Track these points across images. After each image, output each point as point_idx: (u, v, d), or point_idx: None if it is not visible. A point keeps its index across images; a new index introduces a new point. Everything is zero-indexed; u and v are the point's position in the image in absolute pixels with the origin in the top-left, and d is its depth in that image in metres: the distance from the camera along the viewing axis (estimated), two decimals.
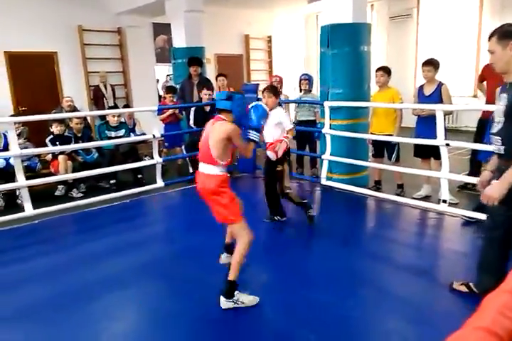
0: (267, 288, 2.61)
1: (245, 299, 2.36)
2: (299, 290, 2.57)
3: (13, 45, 6.79)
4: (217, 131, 2.38)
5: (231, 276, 2.33)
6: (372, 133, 4.51)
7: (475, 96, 7.81)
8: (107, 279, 2.82)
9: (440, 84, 4.03)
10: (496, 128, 2.13)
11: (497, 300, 0.63)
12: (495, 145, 2.15)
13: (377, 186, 4.61)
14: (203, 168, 2.46)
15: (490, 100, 4.12)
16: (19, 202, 4.36)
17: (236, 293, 2.35)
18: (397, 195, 4.27)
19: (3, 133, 4.49)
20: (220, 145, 2.35)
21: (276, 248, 3.25)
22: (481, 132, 3.98)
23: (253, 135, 2.54)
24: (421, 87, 4.19)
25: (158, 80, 9.84)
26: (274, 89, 3.61)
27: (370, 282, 2.67)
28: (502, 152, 2.10)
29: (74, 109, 5.86)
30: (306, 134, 5.44)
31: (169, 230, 3.86)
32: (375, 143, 4.55)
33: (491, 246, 2.25)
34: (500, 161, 2.15)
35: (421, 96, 4.13)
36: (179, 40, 6.76)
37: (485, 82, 4.43)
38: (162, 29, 8.29)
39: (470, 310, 0.68)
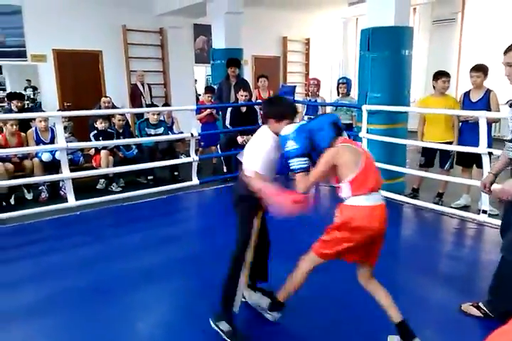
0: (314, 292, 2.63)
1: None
2: (340, 295, 2.57)
3: (61, 43, 7.12)
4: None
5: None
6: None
7: None
8: (143, 271, 2.91)
9: (488, 91, 3.93)
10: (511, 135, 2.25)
11: None
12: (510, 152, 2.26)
13: (415, 193, 4.52)
14: (380, 198, 2.00)
15: None
16: (62, 193, 4.56)
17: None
18: (435, 203, 4.18)
19: (51, 127, 4.72)
20: None
21: None
22: None
23: None
24: (467, 93, 4.09)
25: (196, 80, 10.03)
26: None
27: (408, 290, 2.63)
28: None
29: (113, 108, 6.06)
30: None
31: (204, 227, 3.94)
32: (427, 152, 4.33)
33: None
34: None
35: (467, 103, 4.03)
36: (219, 42, 6.88)
37: None
38: (202, 30, 8.45)
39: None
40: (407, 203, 4.27)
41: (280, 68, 9.72)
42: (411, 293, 2.61)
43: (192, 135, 4.73)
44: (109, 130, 5.11)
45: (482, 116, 3.64)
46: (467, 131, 4.00)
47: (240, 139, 5.34)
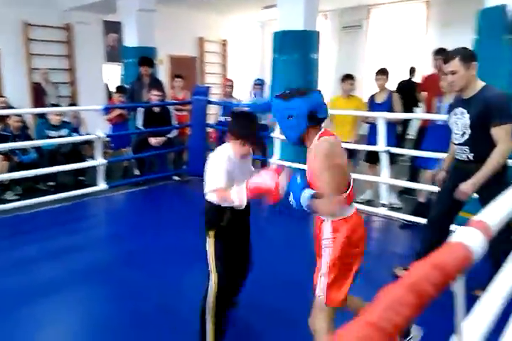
0: None
1: None
2: None
3: None
4: None
5: None
6: None
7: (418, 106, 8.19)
8: (42, 284, 2.68)
9: (391, 93, 4.19)
10: (461, 139, 2.39)
11: (391, 294, 0.63)
12: (463, 154, 2.42)
13: None
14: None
15: (428, 109, 4.33)
16: None
17: None
18: None
19: None
20: None
21: None
22: (420, 140, 4.18)
23: None
24: (372, 96, 4.32)
25: (109, 78, 9.55)
26: None
27: (298, 283, 2.67)
28: (472, 158, 2.39)
29: (9, 108, 5.52)
30: None
31: (110, 234, 3.73)
32: None
33: None
34: (468, 166, 2.42)
35: (373, 104, 4.27)
36: (130, 39, 6.60)
37: (423, 93, 4.66)
38: (113, 27, 8.05)
39: None
40: None
41: (197, 69, 9.60)
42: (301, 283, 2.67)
43: (98, 136, 4.44)
44: (2, 132, 4.63)
45: (381, 117, 3.87)
46: (374, 131, 4.24)
47: (152, 140, 5.14)
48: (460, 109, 2.37)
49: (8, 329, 2.21)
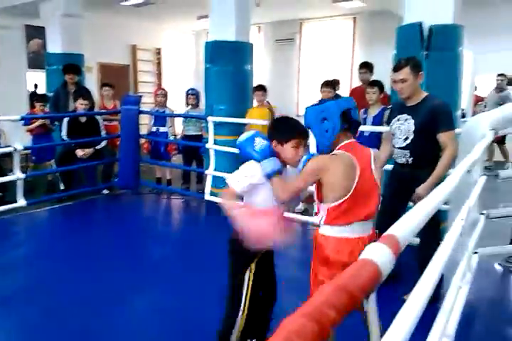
0: None
1: None
2: None
3: None
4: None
5: None
6: None
7: None
8: None
9: None
10: (403, 143, 2.49)
11: (289, 325, 0.57)
12: (403, 157, 2.53)
13: None
14: (367, 228, 1.66)
15: None
16: None
17: None
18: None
19: None
20: None
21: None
22: None
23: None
24: None
25: (36, 85, 8.97)
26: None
27: None
28: (410, 162, 2.51)
29: None
30: (192, 149, 5.37)
31: (20, 258, 3.29)
32: None
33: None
34: (404, 170, 2.58)
35: None
36: (54, 46, 6.24)
37: None
38: (36, 32, 7.57)
39: None
40: None
41: (130, 77, 9.31)
42: None
43: (15, 149, 4.09)
44: None
45: None
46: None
47: (79, 152, 4.83)
48: (404, 116, 2.49)
49: None
